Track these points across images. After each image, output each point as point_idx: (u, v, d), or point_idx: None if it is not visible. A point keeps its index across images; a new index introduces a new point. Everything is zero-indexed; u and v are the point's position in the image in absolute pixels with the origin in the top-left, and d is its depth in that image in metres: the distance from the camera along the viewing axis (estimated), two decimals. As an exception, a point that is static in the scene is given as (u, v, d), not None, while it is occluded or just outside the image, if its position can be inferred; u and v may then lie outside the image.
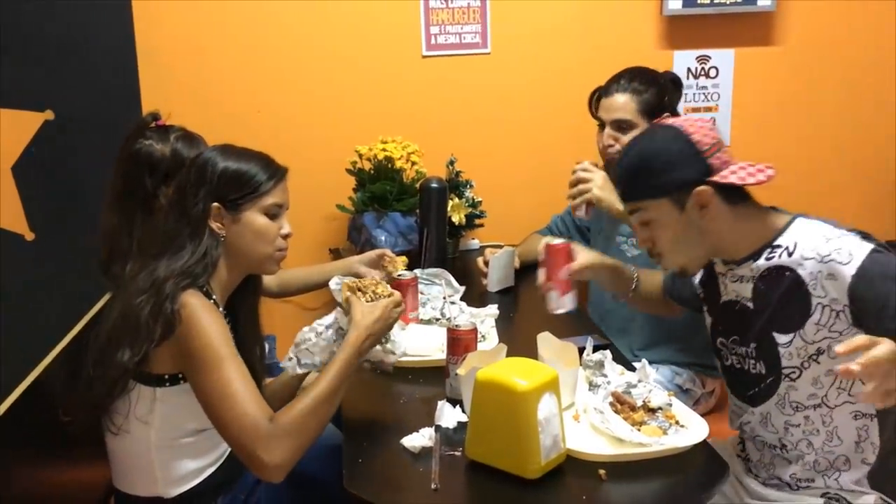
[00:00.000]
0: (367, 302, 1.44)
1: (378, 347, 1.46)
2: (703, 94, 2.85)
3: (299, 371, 1.46)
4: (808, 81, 2.85)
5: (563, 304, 1.61)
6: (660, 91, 2.07)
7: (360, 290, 1.47)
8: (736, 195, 1.38)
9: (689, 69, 2.82)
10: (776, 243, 1.38)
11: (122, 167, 1.73)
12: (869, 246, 1.31)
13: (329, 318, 1.45)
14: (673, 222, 1.38)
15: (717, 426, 1.99)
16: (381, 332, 1.43)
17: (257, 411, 1.27)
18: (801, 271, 1.34)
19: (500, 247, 2.27)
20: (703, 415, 2.09)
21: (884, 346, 1.05)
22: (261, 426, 1.26)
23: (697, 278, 1.59)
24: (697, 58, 2.82)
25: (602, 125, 2.10)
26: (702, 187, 1.35)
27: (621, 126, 2.05)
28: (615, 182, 1.45)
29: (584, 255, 1.62)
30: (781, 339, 1.38)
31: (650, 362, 2.07)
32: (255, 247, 1.44)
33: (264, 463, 1.25)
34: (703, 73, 2.83)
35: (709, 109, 2.86)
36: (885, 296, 1.27)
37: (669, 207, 1.38)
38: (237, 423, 1.27)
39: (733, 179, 1.35)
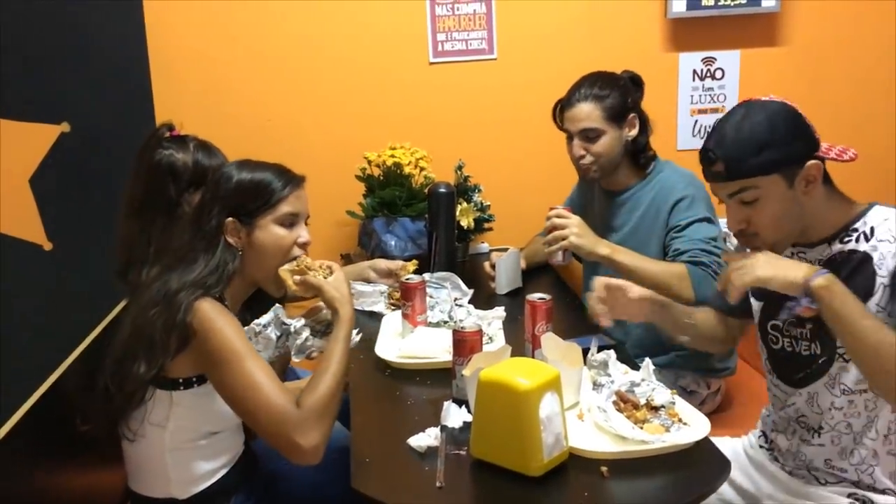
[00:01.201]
0: (324, 278, 1.46)
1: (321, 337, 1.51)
2: (710, 95, 2.86)
3: None
4: (813, 81, 2.85)
5: (535, 356, 1.63)
6: (622, 93, 2.06)
7: (309, 269, 1.46)
8: (828, 175, 1.40)
9: (694, 71, 2.83)
10: (853, 227, 1.40)
11: (143, 177, 1.76)
12: None
13: (267, 318, 1.46)
14: (780, 198, 1.36)
15: (724, 425, 2.01)
16: (350, 296, 1.47)
17: (284, 399, 1.30)
18: (872, 253, 1.36)
19: (507, 250, 2.29)
20: (709, 414, 2.11)
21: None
22: (291, 412, 1.29)
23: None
24: (703, 59, 2.83)
25: (570, 136, 2.09)
26: (814, 161, 1.36)
27: (588, 136, 2.04)
28: (708, 162, 1.40)
29: (634, 292, 1.57)
30: None
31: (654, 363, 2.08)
32: (272, 259, 1.45)
33: (302, 447, 1.28)
34: (708, 74, 2.85)
35: (715, 111, 2.87)
36: None
37: (779, 183, 1.36)
38: (266, 413, 1.30)
39: (833, 155, 1.37)
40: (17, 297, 1.51)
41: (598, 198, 2.22)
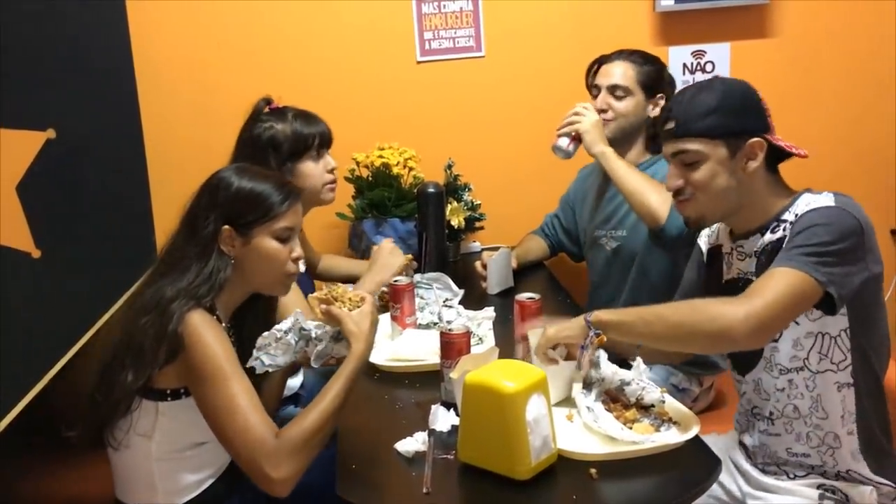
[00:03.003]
0: (349, 311, 1.42)
1: (342, 342, 1.44)
2: (700, 88, 2.85)
3: (268, 370, 1.43)
4: (805, 73, 2.85)
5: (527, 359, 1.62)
6: (659, 71, 2.13)
7: (335, 300, 1.44)
8: (773, 163, 1.45)
9: (684, 64, 2.82)
10: (782, 217, 1.43)
11: (244, 150, 1.91)
12: (832, 204, 1.36)
13: (287, 323, 1.43)
14: (719, 165, 1.42)
15: (716, 422, 2.01)
16: (373, 337, 1.42)
17: (262, 427, 1.29)
18: (786, 234, 1.39)
19: (498, 249, 2.28)
20: (702, 411, 2.12)
21: None
22: (267, 442, 1.27)
23: (695, 269, 1.63)
24: (693, 53, 2.82)
25: (598, 91, 2.14)
26: (758, 139, 1.41)
27: (616, 93, 2.09)
28: (662, 119, 1.49)
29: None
30: None
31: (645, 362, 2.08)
32: (265, 271, 1.45)
33: (271, 478, 1.26)
34: (699, 67, 2.84)
35: (706, 104, 2.86)
36: (803, 230, 1.33)
37: (723, 151, 1.42)
38: (242, 439, 1.28)
39: (782, 144, 1.43)
40: (6, 305, 1.51)
41: (602, 181, 2.24)
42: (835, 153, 2.88)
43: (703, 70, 2.83)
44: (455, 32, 2.72)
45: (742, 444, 1.58)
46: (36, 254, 1.65)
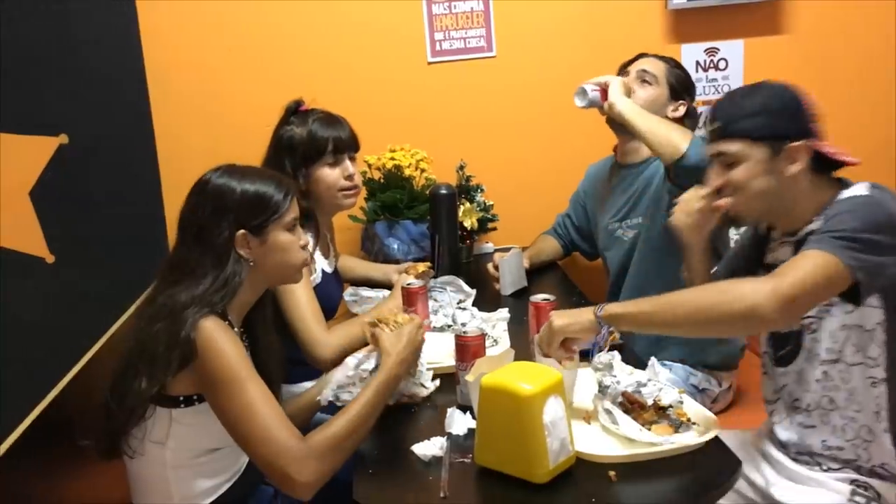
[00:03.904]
0: (391, 331, 1.50)
1: (410, 380, 1.54)
2: (714, 86, 2.83)
3: (337, 404, 1.48)
4: (819, 68, 2.82)
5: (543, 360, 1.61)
6: (687, 79, 2.18)
7: (380, 322, 1.53)
8: (821, 167, 1.45)
9: (697, 62, 2.81)
10: (825, 211, 1.42)
11: (269, 153, 1.95)
12: (867, 192, 1.37)
13: (371, 363, 1.49)
14: (760, 167, 1.42)
15: (737, 419, 1.99)
16: (410, 356, 1.48)
17: (284, 430, 1.29)
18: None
19: (510, 250, 2.27)
20: (721, 411, 2.10)
21: None
22: (291, 445, 1.27)
23: (749, 237, 1.66)
24: (706, 50, 2.80)
25: (627, 75, 2.17)
26: (801, 143, 1.41)
27: (644, 77, 2.13)
28: (709, 120, 1.49)
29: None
30: None
31: (663, 363, 2.07)
32: (283, 263, 1.47)
33: (295, 481, 1.26)
34: (712, 65, 2.82)
35: (720, 102, 2.84)
36: (834, 216, 1.34)
37: (763, 152, 1.42)
38: (264, 443, 1.28)
39: (828, 150, 1.43)
40: (20, 310, 1.51)
41: (612, 175, 2.27)
42: (850, 147, 2.83)
43: (717, 67, 2.81)
44: (466, 33, 2.72)
45: (775, 436, 1.56)
46: (49, 259, 1.65)
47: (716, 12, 2.73)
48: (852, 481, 1.43)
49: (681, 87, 2.15)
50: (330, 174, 1.96)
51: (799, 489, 1.48)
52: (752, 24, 2.77)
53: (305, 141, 1.93)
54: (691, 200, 1.63)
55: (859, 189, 1.40)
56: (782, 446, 1.54)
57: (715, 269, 1.72)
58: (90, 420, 1.42)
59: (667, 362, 2.06)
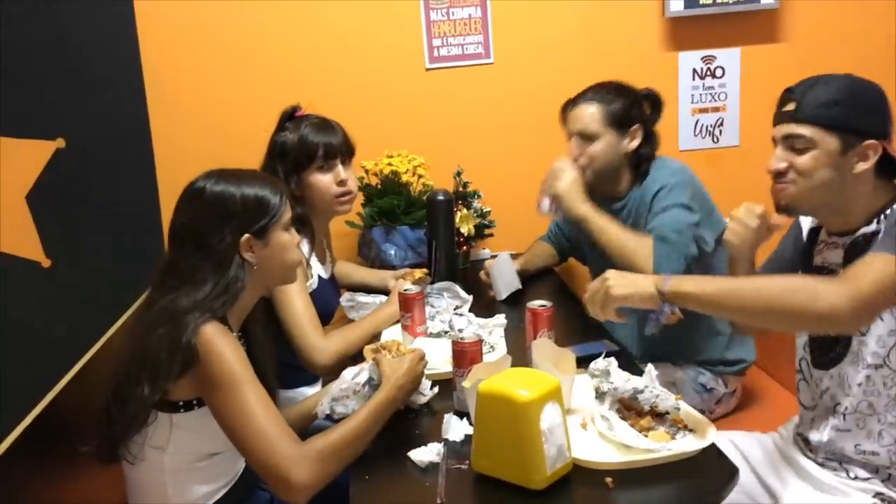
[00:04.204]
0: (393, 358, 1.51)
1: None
2: (710, 94, 2.84)
3: (333, 417, 1.49)
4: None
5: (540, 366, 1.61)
6: (630, 102, 2.05)
7: (383, 348, 1.56)
8: (885, 170, 1.41)
9: (694, 70, 2.81)
10: (884, 213, 1.41)
11: (265, 159, 1.95)
12: None
13: (364, 376, 1.49)
14: (827, 158, 1.39)
15: (742, 423, 1.99)
16: (408, 384, 1.48)
17: (283, 433, 1.30)
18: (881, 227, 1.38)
19: (497, 256, 2.27)
20: (725, 415, 2.10)
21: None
22: (288, 448, 1.28)
23: (791, 242, 1.63)
24: (703, 58, 2.81)
25: (570, 136, 2.09)
26: (874, 141, 1.38)
27: (586, 137, 2.05)
28: (783, 100, 1.46)
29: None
30: None
31: (673, 364, 2.07)
32: (285, 262, 1.49)
33: (291, 483, 1.26)
34: (709, 73, 2.82)
35: (717, 109, 2.85)
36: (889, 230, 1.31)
37: (835, 144, 1.39)
38: (262, 445, 1.28)
39: None
40: (16, 314, 1.51)
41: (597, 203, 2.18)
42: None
43: (713, 75, 2.82)
44: (464, 39, 2.72)
45: (804, 440, 1.55)
46: (46, 263, 1.65)
47: (713, 20, 2.74)
48: (877, 494, 1.42)
49: (625, 117, 2.03)
50: (321, 180, 1.95)
51: (818, 496, 1.47)
52: (748, 32, 2.78)
53: (297, 147, 1.93)
54: (747, 218, 1.58)
55: None
56: (810, 451, 1.53)
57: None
58: (89, 426, 1.42)
59: (678, 361, 2.08)
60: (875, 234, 1.39)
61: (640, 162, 2.08)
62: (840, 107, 1.39)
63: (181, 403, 1.37)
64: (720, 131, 2.86)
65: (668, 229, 1.90)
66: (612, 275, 1.43)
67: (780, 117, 1.46)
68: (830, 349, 1.48)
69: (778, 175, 1.45)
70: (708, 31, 2.76)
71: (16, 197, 1.59)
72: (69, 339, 1.74)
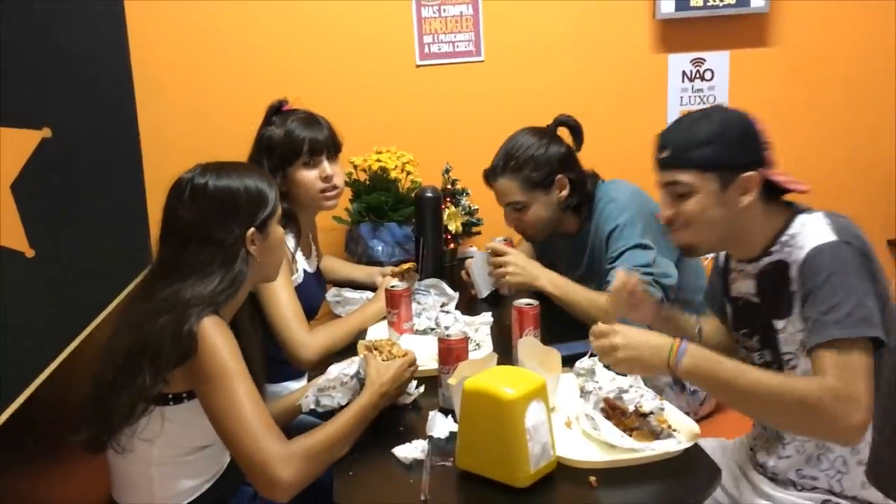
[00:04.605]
0: (383, 361, 1.51)
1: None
2: (699, 96, 2.85)
3: (318, 409, 1.49)
4: (804, 81, 2.85)
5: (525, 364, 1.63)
6: (541, 160, 2.01)
7: (375, 349, 1.54)
8: (771, 193, 1.42)
9: (683, 72, 2.83)
10: (780, 240, 1.41)
11: (251, 153, 1.94)
12: (833, 237, 1.32)
13: (353, 368, 1.49)
14: (710, 198, 1.40)
15: (721, 426, 2.00)
16: (392, 391, 1.48)
17: (270, 429, 1.30)
18: (787, 259, 1.38)
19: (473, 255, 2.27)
20: (708, 415, 2.11)
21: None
22: (273, 445, 1.28)
23: (717, 274, 1.62)
24: (692, 60, 2.83)
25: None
26: (752, 173, 1.38)
27: (517, 208, 2.04)
28: (658, 148, 1.45)
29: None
30: (778, 324, 1.41)
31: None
32: (278, 256, 1.51)
33: (275, 479, 1.26)
34: (698, 75, 2.84)
35: (705, 112, 2.86)
36: (821, 284, 1.30)
37: (714, 183, 1.39)
38: (249, 438, 1.28)
39: (780, 178, 1.40)
40: (0, 304, 1.49)
41: (557, 240, 2.20)
42: (834, 162, 2.88)
43: (703, 78, 2.83)
44: (455, 37, 2.72)
45: (754, 457, 1.55)
46: (30, 253, 1.63)
47: (703, 23, 2.75)
48: (824, 502, 1.43)
49: (544, 174, 2.00)
50: (306, 176, 1.94)
51: None
52: (738, 35, 2.80)
53: (282, 142, 1.92)
54: (616, 298, 1.58)
55: (820, 226, 1.35)
56: (759, 465, 1.54)
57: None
58: (76, 415, 1.40)
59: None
60: (780, 263, 1.38)
61: (580, 203, 2.06)
62: (711, 146, 1.38)
63: (171, 396, 1.36)
64: (708, 133, 2.87)
65: None
66: (621, 339, 1.36)
67: (657, 164, 1.46)
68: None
69: (669, 221, 1.46)
70: (698, 33, 2.78)
71: (0, 186, 1.57)
72: (52, 329, 1.73)
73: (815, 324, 1.30)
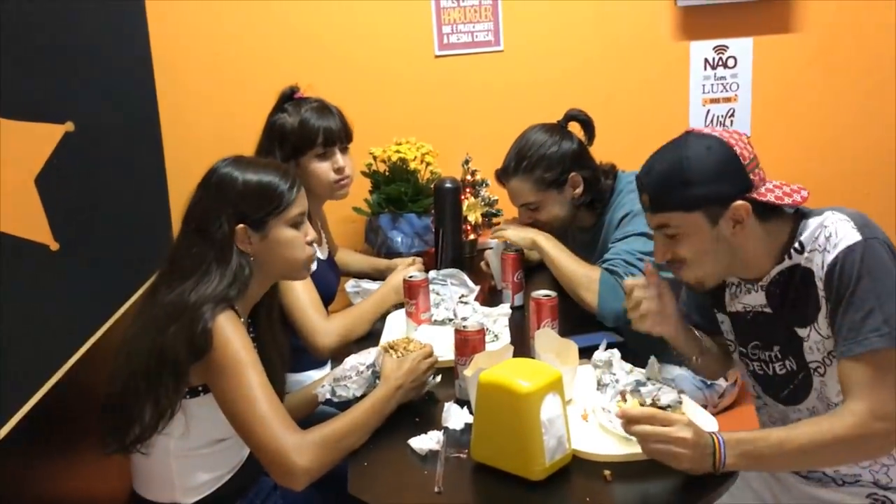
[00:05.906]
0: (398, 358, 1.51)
1: None
2: (722, 84, 2.82)
3: (333, 400, 1.50)
4: (828, 67, 2.80)
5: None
6: (554, 159, 2.00)
7: (392, 348, 1.55)
8: (768, 210, 1.35)
9: (706, 60, 2.79)
10: (793, 247, 1.36)
11: (262, 140, 1.92)
12: (858, 236, 1.27)
13: (369, 359, 1.50)
14: (702, 236, 1.34)
15: (740, 421, 1.98)
16: (408, 385, 1.48)
17: (285, 418, 1.31)
18: (809, 265, 1.33)
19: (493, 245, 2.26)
20: (728, 407, 2.09)
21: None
22: (286, 434, 1.29)
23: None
24: (715, 48, 2.79)
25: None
26: (740, 203, 1.31)
27: (531, 208, 2.05)
28: (638, 191, 1.41)
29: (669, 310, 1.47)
30: (802, 332, 1.37)
31: (671, 360, 2.06)
32: (286, 260, 1.45)
33: (292, 467, 1.27)
34: (721, 63, 2.80)
35: (728, 100, 2.83)
36: (854, 289, 1.25)
37: (701, 221, 1.33)
38: (265, 428, 1.29)
39: (771, 199, 1.31)
40: (24, 297, 1.52)
41: (574, 232, 2.19)
42: (861, 150, 2.83)
43: (726, 65, 2.79)
44: (474, 27, 2.71)
45: None
46: (54, 246, 1.66)
47: (725, 10, 2.71)
48: (869, 495, 1.39)
49: (557, 172, 1.99)
50: (320, 167, 1.95)
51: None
52: (761, 21, 2.75)
53: (296, 130, 1.92)
54: (637, 300, 1.47)
55: (844, 228, 1.29)
56: None
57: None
58: (102, 427, 1.42)
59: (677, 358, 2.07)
60: (799, 269, 1.34)
61: (595, 199, 2.05)
62: (690, 185, 1.31)
63: (187, 390, 1.37)
64: (731, 122, 2.84)
65: (620, 261, 1.87)
66: (678, 446, 1.23)
67: (643, 205, 1.41)
68: (785, 386, 1.44)
69: (668, 264, 1.41)
70: (721, 20, 2.74)
71: (24, 180, 1.59)
72: (76, 322, 1.75)
73: (851, 332, 1.25)
